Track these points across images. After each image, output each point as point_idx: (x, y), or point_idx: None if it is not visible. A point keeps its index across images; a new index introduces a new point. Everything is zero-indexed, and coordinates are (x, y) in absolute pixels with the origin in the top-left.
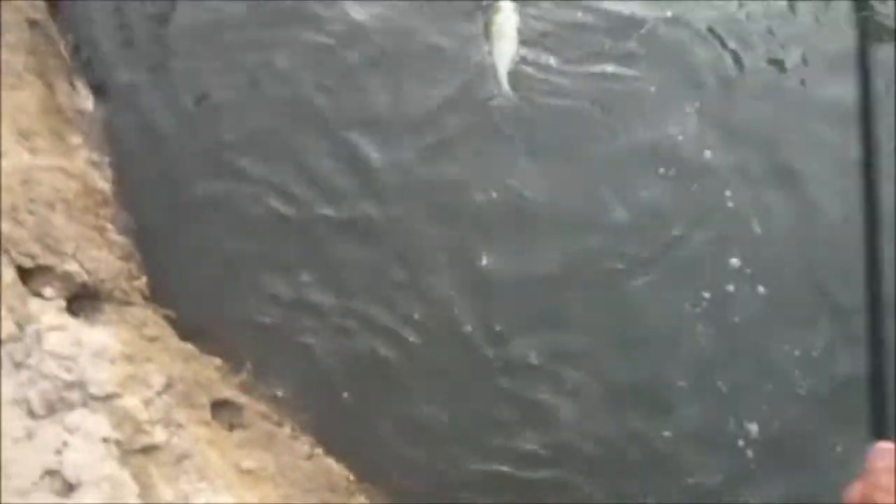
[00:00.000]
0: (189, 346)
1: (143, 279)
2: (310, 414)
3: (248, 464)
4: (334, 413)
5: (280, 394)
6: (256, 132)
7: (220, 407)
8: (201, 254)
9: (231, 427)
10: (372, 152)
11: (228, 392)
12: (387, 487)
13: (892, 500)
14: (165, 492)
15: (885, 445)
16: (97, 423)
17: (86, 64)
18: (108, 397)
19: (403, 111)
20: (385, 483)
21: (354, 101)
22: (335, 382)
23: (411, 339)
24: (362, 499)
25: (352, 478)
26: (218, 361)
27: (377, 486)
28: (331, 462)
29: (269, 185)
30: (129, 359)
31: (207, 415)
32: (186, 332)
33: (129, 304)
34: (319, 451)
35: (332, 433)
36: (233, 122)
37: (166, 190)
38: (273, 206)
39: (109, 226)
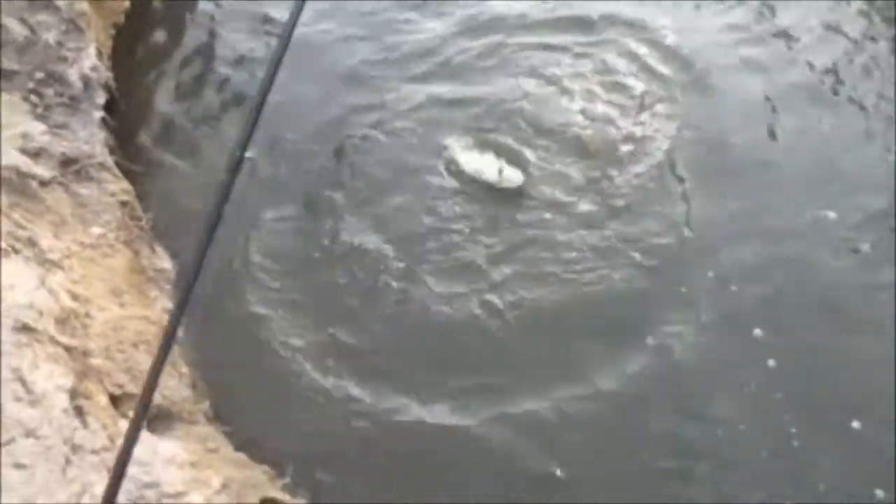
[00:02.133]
0: (242, 455)
1: (206, 403)
2: None
3: None
4: None
5: (317, 495)
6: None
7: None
8: (252, 382)
9: None
10: None
11: (274, 492)
12: None
13: None
14: None
15: None
16: None
17: (163, 232)
18: (177, 495)
19: None
20: None
21: None
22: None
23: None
24: None
25: None
26: (265, 467)
27: None
28: None
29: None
30: (194, 465)
31: None
32: (240, 444)
33: (194, 423)
34: None
35: None
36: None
37: (227, 333)
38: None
39: (180, 361)
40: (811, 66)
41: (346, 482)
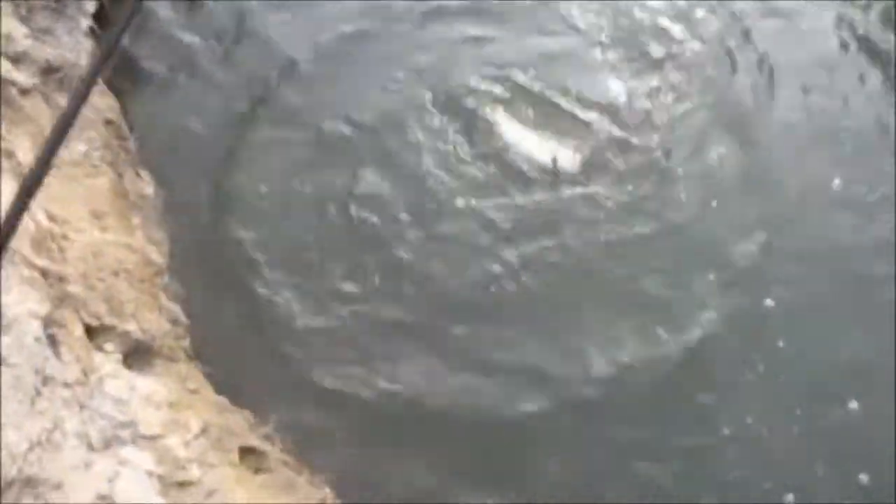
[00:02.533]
0: (223, 399)
1: (188, 340)
2: (327, 466)
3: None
4: (351, 467)
5: (299, 445)
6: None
7: (247, 453)
8: (238, 321)
9: (256, 470)
10: None
11: (255, 441)
12: None
13: None
14: None
15: None
16: (143, 458)
17: (150, 156)
18: (154, 437)
19: None
20: None
21: None
22: (352, 439)
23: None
24: None
25: None
26: (247, 413)
27: None
28: None
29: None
30: (173, 406)
31: (235, 458)
32: (221, 387)
33: (174, 360)
34: (332, 497)
35: (348, 485)
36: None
37: (211, 264)
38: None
39: (162, 294)
40: None
41: (330, 432)
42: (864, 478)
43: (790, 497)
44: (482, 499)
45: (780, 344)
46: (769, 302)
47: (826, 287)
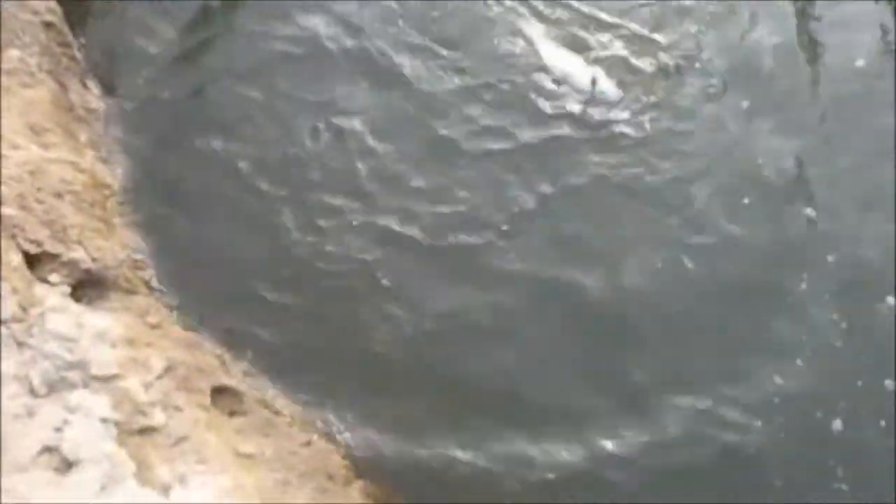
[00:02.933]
0: (192, 335)
1: (150, 271)
2: (308, 404)
3: (246, 448)
4: (335, 404)
5: (279, 383)
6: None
7: (220, 393)
8: (209, 249)
9: (231, 413)
10: None
11: (229, 380)
12: (384, 480)
13: None
14: (163, 471)
15: None
16: (97, 403)
17: (97, 64)
18: (109, 378)
19: None
20: (382, 476)
21: None
22: (336, 374)
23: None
24: (358, 487)
25: (350, 466)
26: (220, 351)
27: (374, 478)
28: (330, 449)
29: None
30: (131, 343)
31: (207, 400)
32: (191, 322)
33: (132, 292)
34: (318, 438)
35: (333, 425)
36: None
37: (175, 187)
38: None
39: (117, 219)
40: None
41: (314, 370)
42: None
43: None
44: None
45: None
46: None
47: None
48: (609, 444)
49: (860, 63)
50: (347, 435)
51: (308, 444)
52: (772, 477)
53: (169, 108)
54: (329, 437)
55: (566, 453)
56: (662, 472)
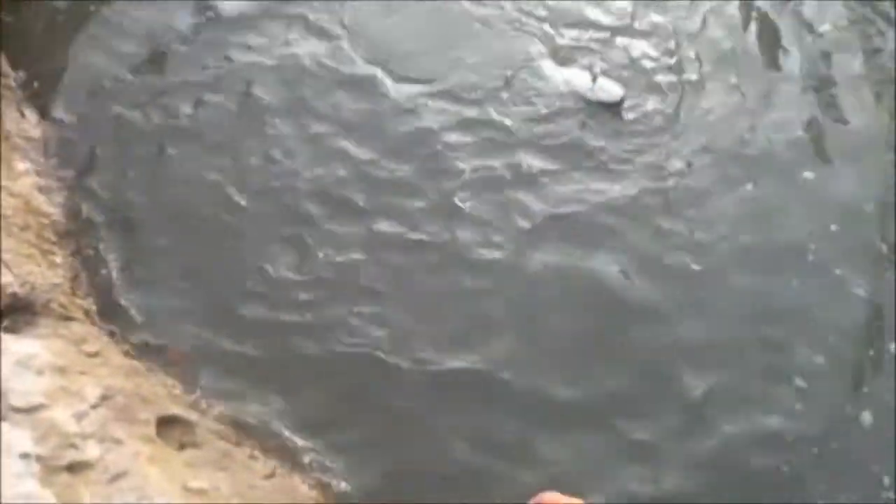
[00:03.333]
0: (135, 363)
1: (90, 299)
2: (271, 433)
3: (197, 483)
4: (302, 432)
5: (240, 415)
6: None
7: (168, 424)
8: (158, 277)
9: (181, 446)
10: None
11: (178, 409)
12: None
13: None
14: None
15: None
16: (18, 437)
17: (35, 94)
18: (32, 409)
19: None
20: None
21: None
22: (303, 400)
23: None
24: None
25: (320, 498)
26: (169, 381)
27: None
28: (296, 481)
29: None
30: (61, 371)
31: (151, 431)
32: (137, 351)
33: (68, 319)
34: (283, 470)
35: (300, 454)
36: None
37: (116, 213)
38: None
39: (54, 247)
40: None
41: (278, 396)
42: None
43: None
44: None
45: None
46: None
47: None
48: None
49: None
50: (316, 465)
51: (271, 475)
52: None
53: (109, 136)
54: (295, 467)
55: None
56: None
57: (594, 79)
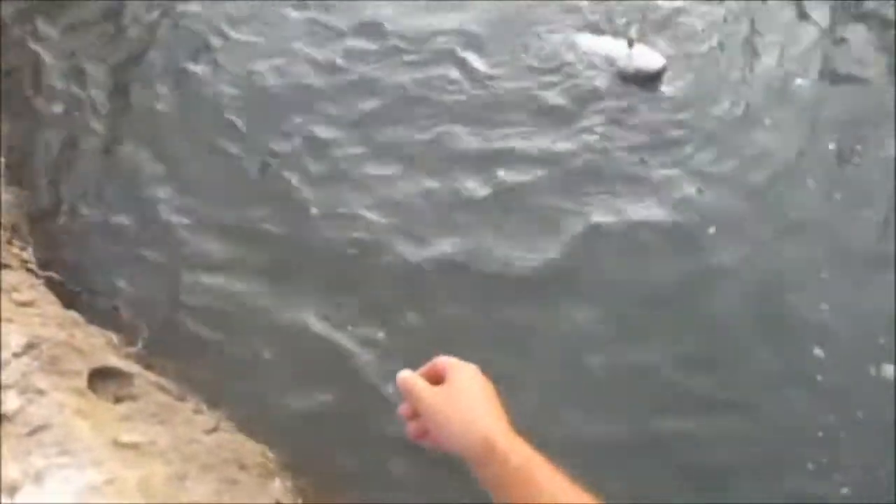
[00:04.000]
0: (73, 314)
1: (29, 249)
2: (217, 387)
3: (130, 437)
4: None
5: (187, 367)
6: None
7: (104, 377)
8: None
9: (117, 399)
10: None
11: (116, 361)
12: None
13: (432, 424)
14: (11, 467)
15: (401, 375)
16: None
17: None
18: None
19: None
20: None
21: None
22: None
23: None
24: (281, 481)
25: (270, 455)
26: (109, 333)
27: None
28: (240, 437)
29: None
30: None
31: (82, 383)
32: (76, 302)
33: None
34: (228, 425)
35: (246, 412)
36: None
37: (63, 166)
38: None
39: None
40: None
41: (214, 354)
42: None
43: None
44: None
45: None
46: None
47: None
48: None
49: None
50: (270, 422)
51: (214, 430)
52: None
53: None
54: (243, 422)
55: None
56: None
57: (630, 44)
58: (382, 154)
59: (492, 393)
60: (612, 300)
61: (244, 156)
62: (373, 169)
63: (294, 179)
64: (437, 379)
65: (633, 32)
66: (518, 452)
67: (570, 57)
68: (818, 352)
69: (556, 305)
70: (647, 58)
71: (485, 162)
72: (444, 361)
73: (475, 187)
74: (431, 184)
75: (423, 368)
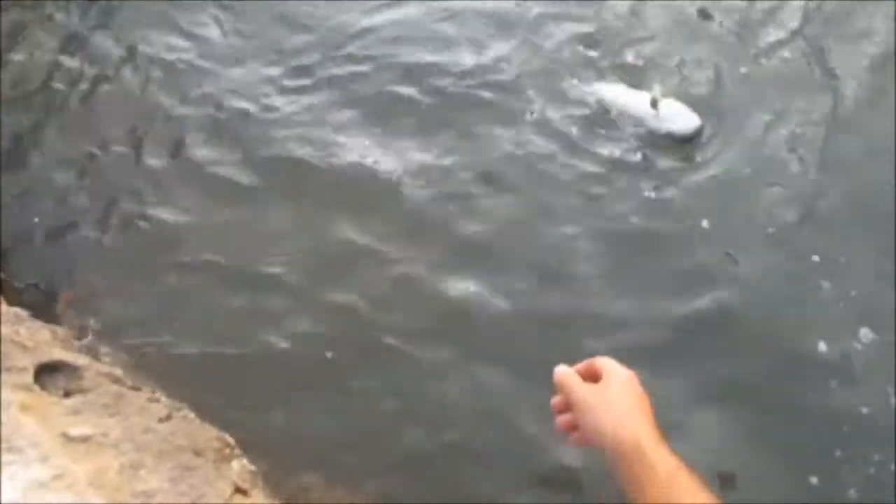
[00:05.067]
0: (16, 310)
1: None
2: (174, 377)
3: (80, 430)
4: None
5: (139, 356)
6: None
7: (51, 371)
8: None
9: (66, 393)
10: None
11: (64, 355)
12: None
13: (584, 419)
14: None
15: (559, 369)
16: None
17: None
18: None
19: None
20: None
21: None
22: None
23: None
24: (238, 465)
25: (229, 440)
26: (56, 326)
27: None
28: (196, 423)
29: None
30: None
31: (28, 378)
32: (20, 297)
33: None
34: (182, 412)
35: (201, 397)
36: None
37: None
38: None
39: None
40: None
41: (168, 340)
42: None
43: None
44: None
45: None
46: None
47: None
48: None
49: None
50: (226, 405)
51: (168, 417)
52: None
53: None
54: (201, 407)
55: None
56: None
57: (654, 104)
58: None
59: (647, 403)
60: None
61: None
62: None
63: None
64: (593, 377)
65: (655, 88)
66: (667, 462)
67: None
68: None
69: None
70: (679, 119)
71: None
72: (603, 362)
73: None
74: None
75: (580, 365)
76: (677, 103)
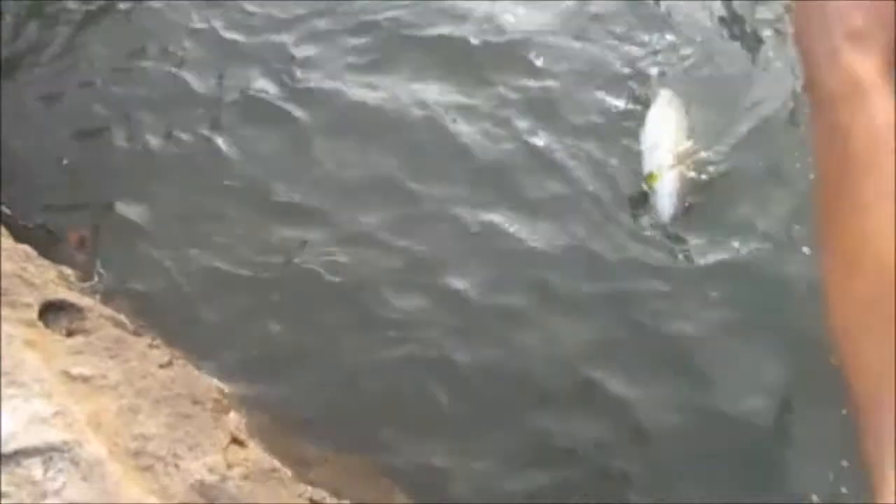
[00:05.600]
0: (24, 247)
1: None
2: (177, 325)
3: (79, 370)
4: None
5: (143, 301)
6: None
7: (56, 310)
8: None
9: (69, 332)
10: None
11: (69, 295)
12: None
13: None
14: None
15: None
16: None
17: None
18: None
19: None
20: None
21: None
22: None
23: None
24: (235, 418)
25: (227, 391)
26: (63, 266)
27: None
28: (193, 372)
29: None
30: None
31: (32, 315)
32: (29, 234)
33: None
34: (182, 361)
35: (205, 349)
36: None
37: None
38: None
39: None
40: None
41: (173, 290)
42: None
43: None
44: None
45: None
46: None
47: None
48: None
49: None
50: (225, 358)
51: (168, 364)
52: None
53: None
54: (201, 357)
55: None
56: None
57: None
58: None
59: None
60: None
61: None
62: None
63: None
64: None
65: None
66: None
67: None
68: None
69: None
70: (662, 200)
71: None
72: None
73: None
74: None
75: None
76: (672, 183)
